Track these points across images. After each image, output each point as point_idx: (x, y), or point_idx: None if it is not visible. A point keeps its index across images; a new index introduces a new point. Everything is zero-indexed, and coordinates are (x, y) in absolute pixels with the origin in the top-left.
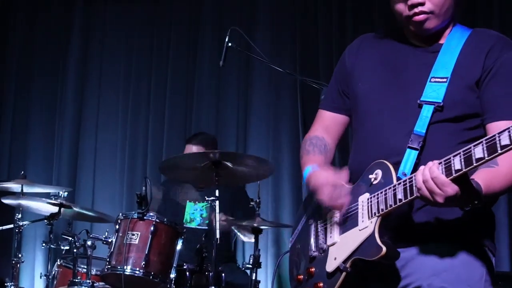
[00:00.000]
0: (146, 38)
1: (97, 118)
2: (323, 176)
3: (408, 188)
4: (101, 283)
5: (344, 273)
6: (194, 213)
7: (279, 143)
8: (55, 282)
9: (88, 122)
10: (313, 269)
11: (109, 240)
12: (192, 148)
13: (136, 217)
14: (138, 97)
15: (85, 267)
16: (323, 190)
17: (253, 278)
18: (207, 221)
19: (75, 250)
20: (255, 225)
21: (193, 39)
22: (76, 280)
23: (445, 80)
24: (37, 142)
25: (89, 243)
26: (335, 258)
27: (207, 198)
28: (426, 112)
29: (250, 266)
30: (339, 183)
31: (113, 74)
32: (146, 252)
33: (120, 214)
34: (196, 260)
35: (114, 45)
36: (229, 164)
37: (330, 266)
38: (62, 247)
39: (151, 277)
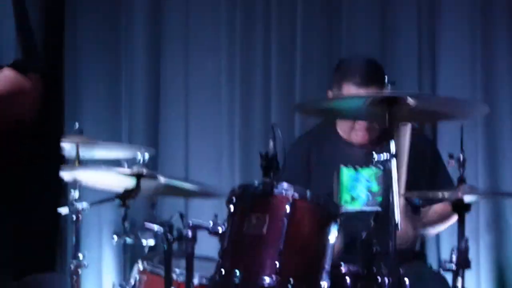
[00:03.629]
0: None
1: (187, 35)
2: None
3: None
4: None
5: None
6: (357, 187)
7: (493, 64)
8: None
9: (171, 44)
10: None
11: (219, 230)
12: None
13: (261, 190)
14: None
15: (183, 272)
16: None
17: (458, 285)
18: (379, 198)
19: (165, 247)
20: (458, 196)
21: None
22: None
23: None
24: (94, 80)
25: (188, 234)
26: None
27: (375, 157)
28: None
29: (452, 266)
30: None
31: None
32: (281, 248)
33: (236, 187)
34: (361, 258)
35: None
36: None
37: None
38: (145, 242)
39: (290, 287)
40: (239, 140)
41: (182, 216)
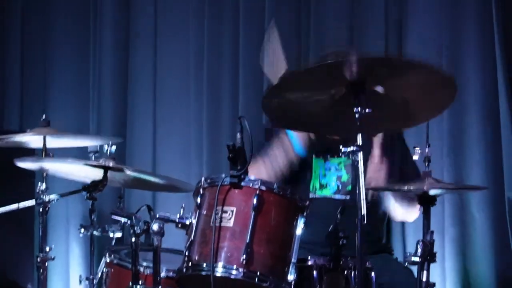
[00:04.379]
0: None
1: (155, 27)
2: None
3: None
4: None
5: None
6: (327, 176)
7: (459, 51)
8: None
9: (139, 37)
10: None
11: (187, 222)
12: None
13: (228, 183)
14: None
15: (150, 265)
16: None
17: (423, 279)
18: (349, 188)
19: (133, 239)
20: (424, 189)
21: None
22: (138, 286)
23: None
24: (61, 71)
25: (154, 227)
26: None
27: (343, 149)
28: None
29: (416, 259)
30: None
31: None
32: (248, 240)
33: (203, 179)
34: (328, 250)
35: None
36: (378, 88)
37: None
38: (112, 234)
39: (256, 279)
40: (207, 132)
41: (149, 208)
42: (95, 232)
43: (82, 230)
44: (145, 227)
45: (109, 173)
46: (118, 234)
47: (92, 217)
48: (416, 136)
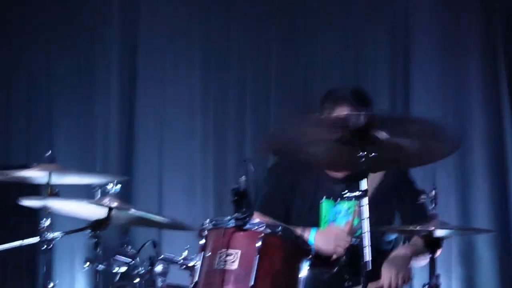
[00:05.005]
0: None
1: (162, 67)
2: None
3: None
4: None
5: None
6: (337, 220)
7: (465, 94)
8: None
9: (147, 73)
10: None
11: (191, 264)
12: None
13: (233, 225)
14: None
15: None
16: None
17: None
18: (359, 232)
19: (136, 280)
20: (430, 230)
21: None
22: None
23: None
24: (68, 108)
25: (158, 269)
26: None
27: (348, 194)
28: None
29: None
30: None
31: None
32: (252, 283)
33: (207, 221)
34: None
35: None
36: (382, 133)
37: None
38: (116, 269)
39: None
40: (213, 172)
41: (155, 244)
42: (100, 266)
43: (87, 264)
44: (149, 267)
45: (114, 211)
46: (123, 269)
47: (97, 250)
48: (422, 175)
